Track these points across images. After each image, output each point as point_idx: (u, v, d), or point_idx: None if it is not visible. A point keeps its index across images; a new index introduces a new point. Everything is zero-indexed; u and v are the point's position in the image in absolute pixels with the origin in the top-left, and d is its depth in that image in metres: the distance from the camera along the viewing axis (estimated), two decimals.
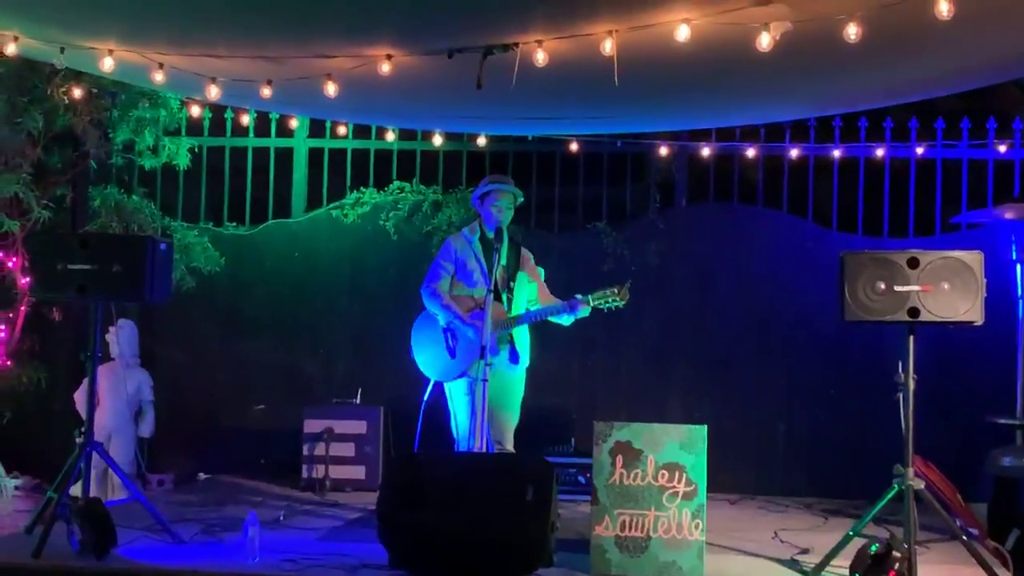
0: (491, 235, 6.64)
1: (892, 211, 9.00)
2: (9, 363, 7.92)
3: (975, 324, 5.55)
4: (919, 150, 8.98)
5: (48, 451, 7.28)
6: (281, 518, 6.98)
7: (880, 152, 9.02)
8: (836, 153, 9.08)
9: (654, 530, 5.45)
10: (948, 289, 5.51)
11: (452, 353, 6.62)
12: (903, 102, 7.87)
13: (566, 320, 6.63)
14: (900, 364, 5.58)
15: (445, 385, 6.74)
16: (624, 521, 5.48)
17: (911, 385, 5.57)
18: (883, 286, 5.53)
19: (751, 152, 9.13)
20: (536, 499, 5.31)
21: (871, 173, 9.11)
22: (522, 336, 6.74)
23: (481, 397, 6.20)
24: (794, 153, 9.10)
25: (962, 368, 8.37)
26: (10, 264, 7.86)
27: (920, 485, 5.52)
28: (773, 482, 8.67)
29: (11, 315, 7.93)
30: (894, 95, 7.41)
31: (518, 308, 6.72)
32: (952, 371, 8.27)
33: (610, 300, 6.46)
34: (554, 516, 5.40)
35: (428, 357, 6.74)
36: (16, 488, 8.39)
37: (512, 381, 6.69)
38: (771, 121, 8.87)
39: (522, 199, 6.88)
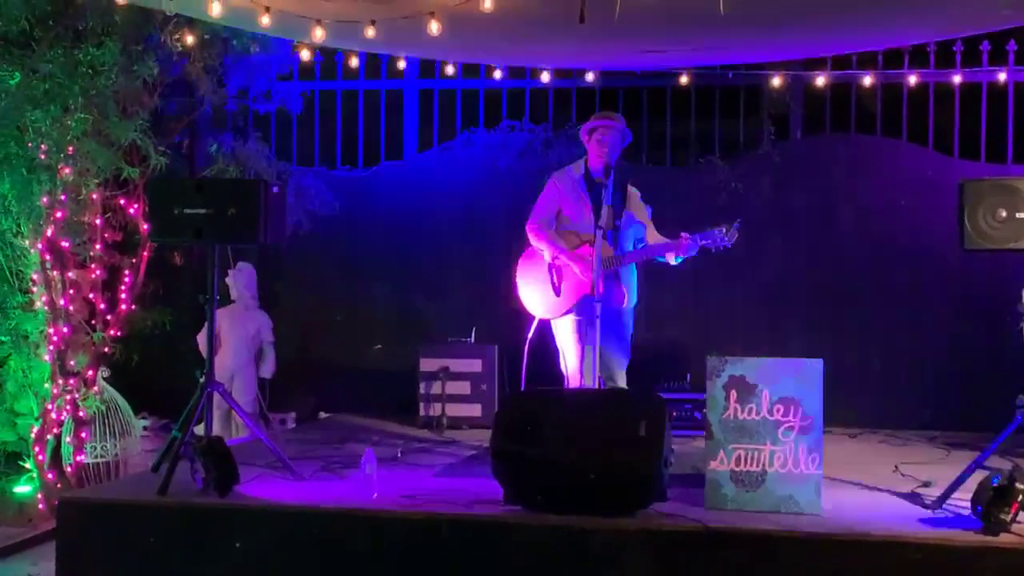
0: (597, 172, 6.58)
1: (1016, 137, 8.72)
2: (134, 307, 8.11)
3: None
4: None
5: (174, 392, 7.44)
6: (399, 455, 7.07)
7: (1003, 76, 8.72)
8: (957, 79, 8.81)
9: (770, 464, 5.38)
10: None
11: (557, 291, 6.60)
12: None
13: (674, 260, 6.57)
14: (1022, 293, 5.41)
15: (552, 322, 6.75)
16: (739, 456, 5.42)
17: None
18: (1004, 213, 5.35)
19: (868, 80, 8.91)
20: (649, 434, 5.28)
21: (994, 98, 8.82)
22: (629, 275, 6.69)
23: (591, 335, 6.18)
24: (913, 80, 8.85)
25: None
26: (131, 210, 8.03)
27: None
28: (896, 416, 8.52)
29: (134, 260, 8.12)
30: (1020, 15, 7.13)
31: (625, 247, 6.68)
32: None
33: (718, 239, 6.39)
34: (667, 451, 5.37)
35: (532, 294, 6.73)
36: (144, 428, 8.67)
37: (620, 318, 6.65)
38: (889, 47, 8.62)
39: (631, 138, 6.81)
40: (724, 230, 6.39)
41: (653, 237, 6.73)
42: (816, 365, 5.44)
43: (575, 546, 5.06)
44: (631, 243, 6.72)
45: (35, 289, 7.64)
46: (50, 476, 7.52)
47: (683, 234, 6.47)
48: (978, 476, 5.22)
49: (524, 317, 6.84)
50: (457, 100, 9.65)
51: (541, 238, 6.68)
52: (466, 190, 9.39)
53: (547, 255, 6.66)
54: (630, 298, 6.67)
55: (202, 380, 6.17)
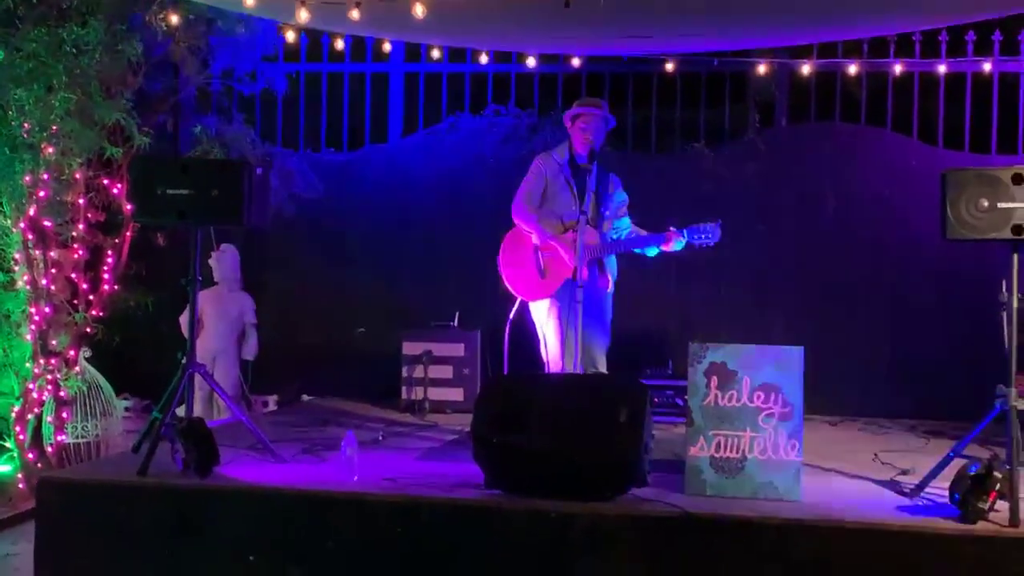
0: (582, 158, 6.58)
1: (1001, 127, 8.74)
2: (117, 288, 8.08)
3: None
4: None
5: (156, 373, 7.40)
6: (380, 439, 7.07)
7: (988, 67, 8.74)
8: (942, 68, 8.82)
9: (750, 451, 5.40)
10: None
11: (541, 274, 6.61)
12: (1014, 13, 7.58)
13: (652, 251, 6.58)
14: (1004, 283, 5.42)
15: (531, 306, 6.76)
16: (719, 442, 5.43)
17: (1015, 304, 5.40)
18: (986, 203, 5.35)
19: (853, 69, 8.90)
20: (630, 420, 5.29)
21: (979, 88, 8.83)
22: (610, 260, 6.71)
23: (573, 319, 6.19)
24: (898, 69, 8.85)
25: None
26: (115, 190, 7.99)
27: (1023, 405, 5.38)
28: (876, 404, 8.57)
29: (117, 241, 8.08)
30: (1006, 4, 7.13)
31: (607, 235, 6.69)
32: None
33: (704, 237, 6.40)
34: (647, 437, 5.37)
35: (516, 275, 6.74)
36: (126, 409, 8.65)
37: (601, 303, 6.67)
38: (875, 35, 8.62)
39: (614, 123, 6.81)
40: (710, 228, 6.41)
41: (634, 227, 6.75)
42: (797, 352, 5.45)
43: (555, 530, 5.07)
44: (611, 230, 6.73)
45: (17, 268, 7.60)
46: (31, 456, 7.51)
47: (671, 228, 6.48)
48: (956, 464, 5.24)
49: (508, 302, 6.84)
50: (443, 84, 9.64)
51: (529, 222, 6.68)
52: (451, 174, 9.38)
53: (535, 238, 6.66)
54: (612, 283, 6.68)
55: (184, 361, 6.16)
